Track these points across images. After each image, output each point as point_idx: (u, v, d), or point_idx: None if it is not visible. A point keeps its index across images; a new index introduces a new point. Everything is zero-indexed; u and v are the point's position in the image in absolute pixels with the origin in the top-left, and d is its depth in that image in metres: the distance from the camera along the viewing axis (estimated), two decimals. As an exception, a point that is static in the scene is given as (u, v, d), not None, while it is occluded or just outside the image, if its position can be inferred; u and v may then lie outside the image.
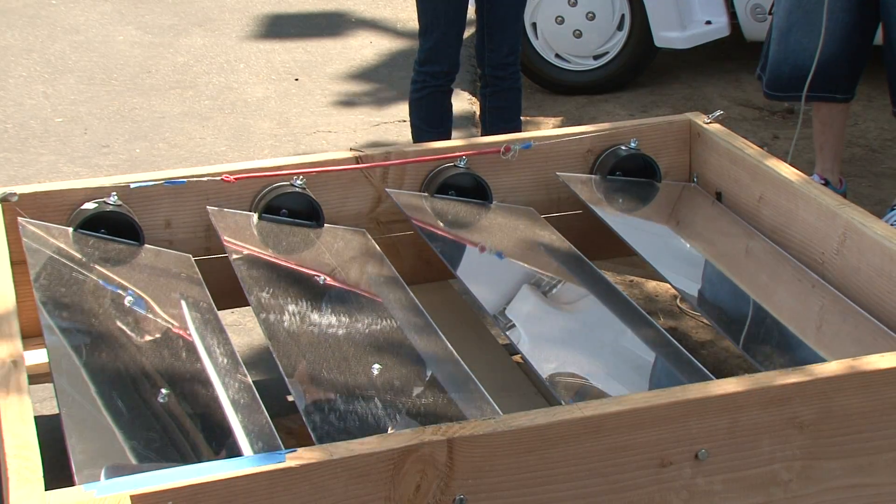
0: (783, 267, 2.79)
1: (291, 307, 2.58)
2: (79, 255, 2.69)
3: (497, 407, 2.22)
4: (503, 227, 3.01)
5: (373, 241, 2.97)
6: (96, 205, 2.81)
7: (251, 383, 2.28)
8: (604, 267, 3.36)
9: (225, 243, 2.77)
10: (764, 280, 2.78)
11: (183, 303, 2.61)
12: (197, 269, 2.79)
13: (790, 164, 2.97)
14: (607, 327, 2.62)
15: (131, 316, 2.53)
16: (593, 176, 3.18)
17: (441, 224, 2.96)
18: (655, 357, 2.51)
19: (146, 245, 2.84)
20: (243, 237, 2.83)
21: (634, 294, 3.65)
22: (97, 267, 2.67)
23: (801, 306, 2.65)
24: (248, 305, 3.11)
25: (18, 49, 6.11)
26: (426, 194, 3.06)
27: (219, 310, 3.10)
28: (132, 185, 2.85)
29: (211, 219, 2.87)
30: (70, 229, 2.78)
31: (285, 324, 2.51)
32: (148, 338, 2.44)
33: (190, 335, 2.48)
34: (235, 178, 2.90)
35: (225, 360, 2.38)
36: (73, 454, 2.00)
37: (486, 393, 2.29)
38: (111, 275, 2.67)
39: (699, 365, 2.40)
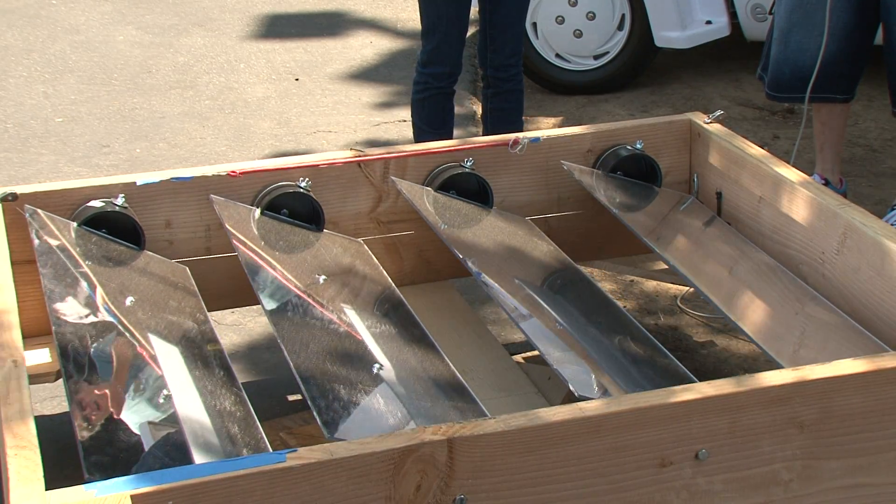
0: (772, 288, 2.78)
1: (294, 299, 2.60)
2: (81, 251, 2.70)
3: (485, 408, 2.22)
4: (501, 233, 3.02)
5: (369, 250, 2.97)
6: (103, 203, 2.81)
7: (246, 397, 2.29)
8: (604, 266, 3.36)
9: (228, 231, 2.78)
10: (747, 302, 2.76)
11: (180, 313, 2.62)
12: (193, 281, 2.80)
13: (791, 165, 2.97)
14: (596, 334, 2.62)
15: (129, 319, 2.54)
16: (596, 170, 3.19)
17: (439, 220, 2.96)
18: (639, 361, 2.51)
19: (145, 251, 2.84)
20: (246, 228, 2.84)
21: (635, 293, 3.65)
22: (98, 266, 2.68)
23: (782, 329, 2.64)
24: (248, 306, 3.13)
25: (19, 49, 6.12)
26: (429, 188, 3.06)
27: (219, 309, 3.12)
28: (139, 183, 2.86)
29: (214, 208, 2.87)
30: (74, 224, 2.78)
31: (288, 313, 2.53)
32: (139, 345, 2.45)
33: (183, 347, 2.49)
34: (241, 172, 2.91)
35: (221, 373, 2.39)
36: (80, 441, 2.02)
37: (475, 396, 2.29)
38: (110, 277, 2.68)
39: (684, 369, 2.41)
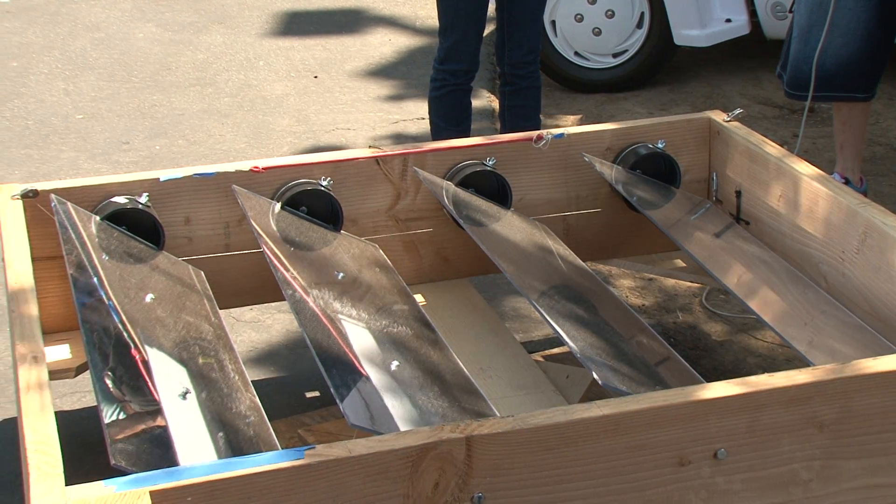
0: (782, 298, 2.77)
1: (315, 291, 2.61)
2: (104, 245, 2.71)
3: (495, 409, 2.22)
4: (517, 233, 3.01)
5: (383, 254, 2.98)
6: (127, 200, 2.82)
7: (259, 403, 2.29)
8: (622, 265, 3.36)
9: (251, 223, 2.79)
10: (766, 300, 2.75)
11: (195, 314, 2.63)
12: (208, 285, 2.81)
13: (809, 162, 2.96)
14: (609, 335, 2.62)
15: (149, 315, 2.55)
16: (616, 166, 3.18)
17: (456, 214, 2.96)
18: (651, 362, 2.51)
19: (164, 251, 2.85)
20: (268, 221, 2.84)
21: (653, 292, 3.64)
22: (119, 262, 2.69)
23: (799, 326, 2.63)
24: (267, 303, 3.14)
25: (40, 46, 6.14)
26: (450, 182, 3.06)
27: (238, 306, 3.13)
28: (162, 179, 2.87)
29: (237, 199, 2.88)
30: (97, 217, 2.79)
31: (310, 303, 2.54)
32: (159, 342, 2.46)
33: (199, 347, 2.50)
34: (264, 168, 2.92)
35: (236, 377, 2.39)
36: (106, 428, 2.03)
37: (486, 398, 2.29)
38: (131, 273, 2.69)
39: (697, 374, 2.41)
